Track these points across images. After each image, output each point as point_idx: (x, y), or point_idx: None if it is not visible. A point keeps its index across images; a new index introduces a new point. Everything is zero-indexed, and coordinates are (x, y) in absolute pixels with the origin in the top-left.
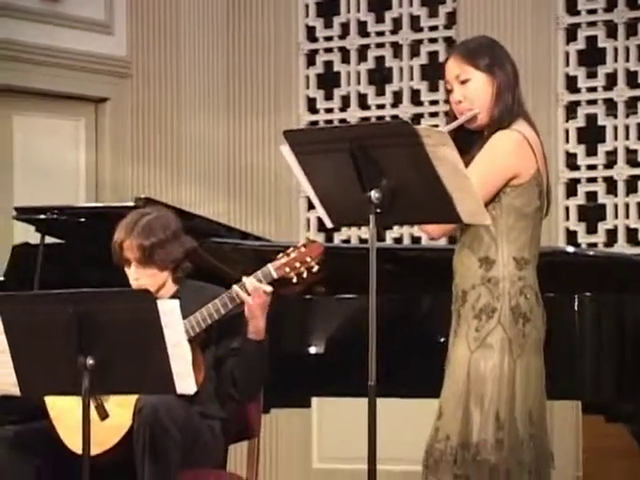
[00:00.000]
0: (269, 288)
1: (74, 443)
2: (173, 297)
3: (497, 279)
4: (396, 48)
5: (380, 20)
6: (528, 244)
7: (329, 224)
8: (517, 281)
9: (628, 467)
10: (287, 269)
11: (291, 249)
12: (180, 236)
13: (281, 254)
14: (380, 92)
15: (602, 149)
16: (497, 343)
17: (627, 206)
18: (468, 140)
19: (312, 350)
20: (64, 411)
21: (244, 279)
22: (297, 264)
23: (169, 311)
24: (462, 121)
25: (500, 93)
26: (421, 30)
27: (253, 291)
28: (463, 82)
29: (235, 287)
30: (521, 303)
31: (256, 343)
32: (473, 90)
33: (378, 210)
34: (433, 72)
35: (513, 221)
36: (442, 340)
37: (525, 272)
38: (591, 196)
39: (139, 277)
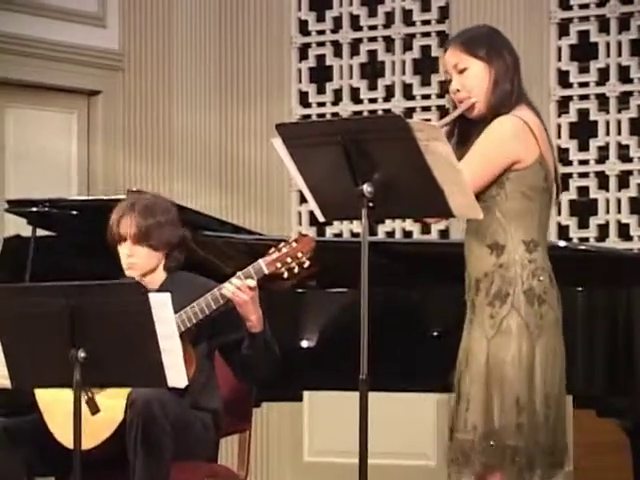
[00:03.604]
0: (253, 283)
1: (65, 437)
2: (162, 288)
3: (508, 264)
4: (388, 42)
5: (373, 14)
6: (537, 227)
7: (321, 218)
8: (528, 264)
9: (619, 462)
10: (278, 264)
11: (282, 244)
12: (177, 223)
13: (272, 249)
14: (372, 86)
15: (594, 144)
16: (514, 327)
17: (619, 201)
18: (470, 129)
19: (303, 344)
20: (54, 405)
21: (225, 284)
22: (288, 259)
23: (161, 304)
24: (460, 110)
25: (497, 81)
26: (413, 24)
27: (236, 292)
28: (461, 71)
29: (223, 288)
30: (534, 286)
31: (258, 335)
32: (470, 79)
33: (370, 204)
34: (425, 66)
35: (519, 205)
36: (435, 334)
37: (536, 254)
38: (583, 191)
39: (133, 254)
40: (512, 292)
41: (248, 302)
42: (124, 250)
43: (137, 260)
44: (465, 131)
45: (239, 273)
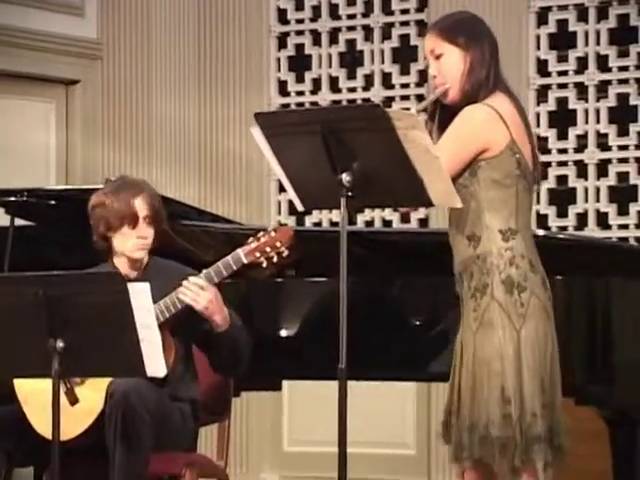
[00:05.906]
0: (203, 282)
1: (43, 428)
2: (140, 278)
3: (485, 255)
4: (367, 31)
5: (351, 3)
6: (514, 214)
7: (300, 207)
8: (505, 253)
9: (598, 450)
10: (257, 254)
11: (261, 234)
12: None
13: (251, 239)
14: (351, 75)
15: (573, 133)
16: (496, 319)
17: (597, 190)
18: (448, 115)
19: (283, 333)
20: (33, 395)
21: (181, 289)
22: (267, 249)
23: (140, 294)
24: (435, 96)
25: (472, 68)
26: (392, 13)
27: (193, 298)
28: (437, 57)
29: (179, 290)
30: (512, 274)
31: (224, 334)
32: (446, 65)
33: (349, 193)
34: (404, 55)
35: (493, 193)
36: (417, 323)
37: (513, 242)
38: (562, 180)
39: (147, 236)
40: (490, 283)
41: (208, 306)
42: (139, 232)
43: (148, 241)
44: (444, 117)
45: (204, 270)
